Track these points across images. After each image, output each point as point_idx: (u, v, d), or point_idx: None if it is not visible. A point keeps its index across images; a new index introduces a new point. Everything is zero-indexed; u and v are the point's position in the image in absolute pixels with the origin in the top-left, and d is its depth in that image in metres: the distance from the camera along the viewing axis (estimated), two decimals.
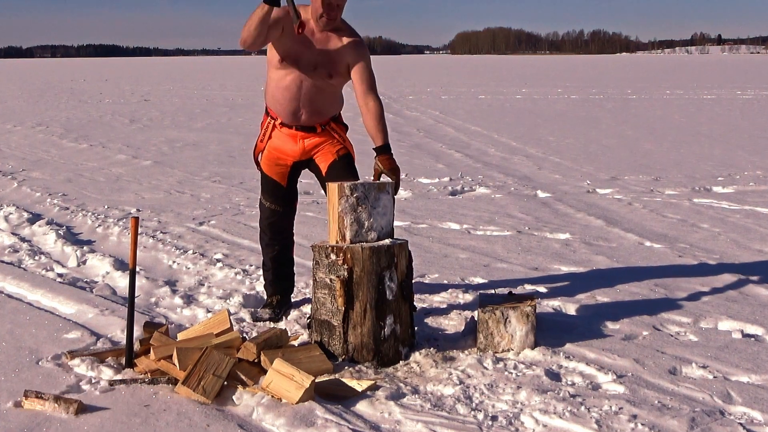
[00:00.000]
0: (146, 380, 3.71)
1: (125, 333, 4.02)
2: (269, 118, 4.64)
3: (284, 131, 4.60)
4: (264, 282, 4.98)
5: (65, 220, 7.51)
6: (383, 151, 4.30)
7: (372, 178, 4.34)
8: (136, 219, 3.99)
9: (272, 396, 3.54)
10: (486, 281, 5.49)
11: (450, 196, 8.86)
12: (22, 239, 6.73)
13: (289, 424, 3.34)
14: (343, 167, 4.55)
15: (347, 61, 4.41)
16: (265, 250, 4.89)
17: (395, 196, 4.20)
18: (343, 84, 4.56)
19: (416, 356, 4.05)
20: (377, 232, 4.06)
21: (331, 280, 4.00)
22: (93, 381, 3.75)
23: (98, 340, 4.29)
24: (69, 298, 5.04)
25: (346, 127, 4.72)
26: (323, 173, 4.62)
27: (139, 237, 6.66)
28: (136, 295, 5.04)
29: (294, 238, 4.93)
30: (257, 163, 4.77)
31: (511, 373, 3.85)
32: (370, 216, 4.04)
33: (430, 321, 4.64)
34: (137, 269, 5.75)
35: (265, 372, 3.72)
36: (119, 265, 5.85)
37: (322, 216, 7.55)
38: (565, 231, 7.06)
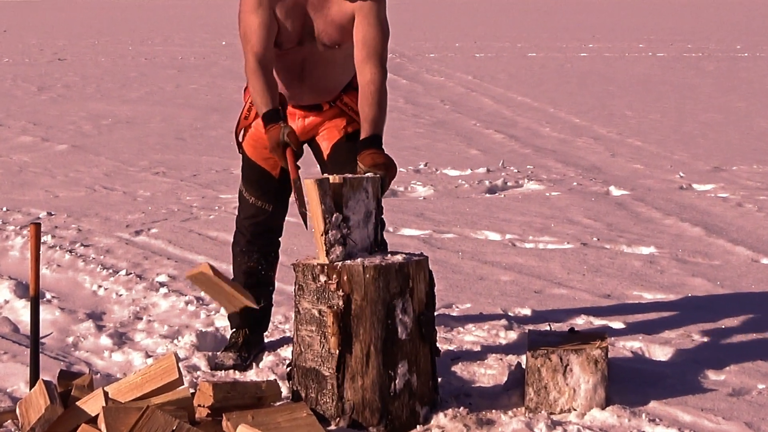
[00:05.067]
0: None
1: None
2: None
3: None
4: None
5: None
6: (371, 143, 4.27)
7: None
8: (37, 226, 4.00)
9: None
10: (537, 313, 5.50)
11: (487, 195, 8.87)
12: None
13: None
14: (351, 149, 4.57)
15: (355, 17, 4.44)
16: (237, 259, 4.91)
17: (382, 197, 4.16)
18: None
19: (440, 419, 4.06)
20: (346, 247, 4.02)
21: (320, 311, 4.01)
22: None
23: None
24: None
25: None
26: (325, 156, 4.68)
27: (53, 251, 6.71)
28: (47, 333, 5.07)
29: (279, 250, 4.94)
30: (239, 144, 4.81)
31: None
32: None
33: (459, 369, 4.65)
34: (47, 296, 5.78)
35: None
36: (23, 290, 5.86)
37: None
38: (649, 243, 7.06)
